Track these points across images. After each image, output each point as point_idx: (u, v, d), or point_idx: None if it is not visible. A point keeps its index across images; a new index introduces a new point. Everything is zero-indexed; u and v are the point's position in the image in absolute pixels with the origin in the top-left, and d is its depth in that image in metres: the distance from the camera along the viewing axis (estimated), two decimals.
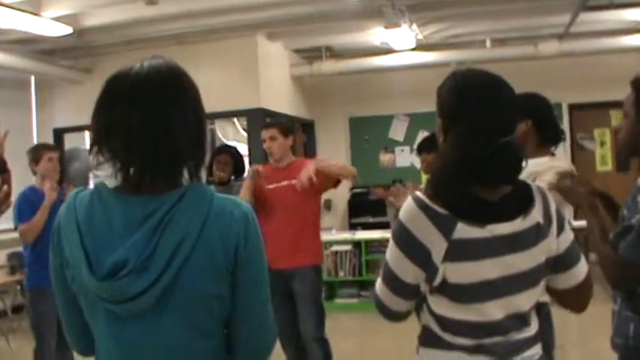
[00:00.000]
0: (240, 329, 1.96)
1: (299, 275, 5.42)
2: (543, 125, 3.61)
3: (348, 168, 5.50)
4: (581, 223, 3.17)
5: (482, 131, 2.07)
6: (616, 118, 11.31)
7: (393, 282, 2.15)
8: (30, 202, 5.41)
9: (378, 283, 2.23)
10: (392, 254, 2.15)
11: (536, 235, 2.12)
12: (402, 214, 2.11)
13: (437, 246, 2.03)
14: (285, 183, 5.41)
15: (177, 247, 1.78)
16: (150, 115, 1.82)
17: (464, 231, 2.02)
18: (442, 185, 2.07)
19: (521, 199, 2.14)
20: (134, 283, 1.76)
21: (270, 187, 5.44)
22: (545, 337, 2.78)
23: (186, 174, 1.92)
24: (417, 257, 2.06)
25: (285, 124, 5.73)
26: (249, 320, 1.95)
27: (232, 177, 6.45)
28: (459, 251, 2.02)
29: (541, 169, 3.42)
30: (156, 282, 1.77)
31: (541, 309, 2.94)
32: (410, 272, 2.10)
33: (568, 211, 3.54)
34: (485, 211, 2.06)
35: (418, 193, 2.12)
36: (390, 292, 2.18)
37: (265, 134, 5.55)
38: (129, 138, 1.83)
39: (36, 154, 5.67)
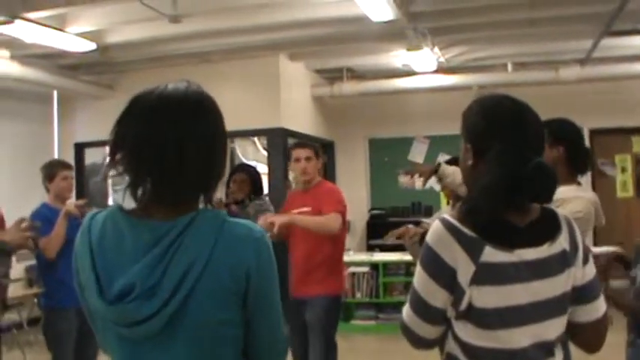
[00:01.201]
0: (256, 353, 1.96)
1: (310, 304, 5.40)
2: (575, 152, 3.56)
3: (326, 228, 5.28)
4: (601, 249, 3.17)
5: (517, 152, 2.07)
6: (638, 143, 11.25)
7: (421, 307, 2.13)
8: (46, 218, 5.33)
9: (406, 309, 2.19)
10: (419, 278, 2.13)
11: (562, 262, 2.11)
12: (429, 237, 2.10)
13: (464, 268, 2.02)
14: (305, 209, 5.39)
15: (185, 273, 1.78)
16: (160, 136, 1.83)
17: (491, 255, 2.01)
18: (479, 207, 2.05)
19: (548, 225, 2.14)
20: (142, 308, 1.76)
21: (294, 211, 5.42)
22: None
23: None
24: (444, 279, 2.05)
25: (316, 146, 5.74)
26: (263, 344, 1.96)
27: (250, 196, 6.44)
28: (486, 275, 2.01)
29: (567, 197, 3.38)
30: (163, 308, 1.77)
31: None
32: (437, 295, 2.08)
33: (588, 240, 3.52)
34: (513, 235, 2.05)
35: (446, 216, 2.11)
36: (418, 318, 2.14)
37: (302, 153, 5.52)
38: (138, 155, 1.85)
39: (50, 171, 5.58)
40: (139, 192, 1.88)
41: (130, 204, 1.93)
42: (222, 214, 1.91)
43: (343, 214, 5.38)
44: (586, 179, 10.99)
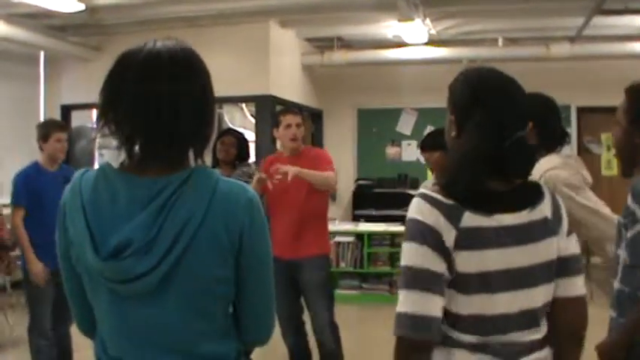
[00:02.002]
0: (244, 311, 1.99)
1: (306, 265, 5.43)
2: (543, 128, 3.56)
3: (330, 182, 5.38)
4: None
5: (496, 125, 2.09)
6: None
7: (420, 278, 2.04)
8: (28, 185, 5.37)
9: (402, 298, 2.08)
10: (409, 252, 2.08)
11: (544, 229, 2.12)
12: (410, 212, 2.10)
13: (447, 234, 2.02)
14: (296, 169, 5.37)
15: (181, 230, 1.79)
16: (156, 91, 1.83)
17: (471, 219, 2.02)
18: (456, 178, 2.07)
19: (529, 192, 2.16)
20: (138, 264, 1.77)
21: (279, 177, 5.42)
22: None
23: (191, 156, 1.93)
24: (435, 242, 2.03)
25: (303, 113, 5.74)
26: (253, 303, 1.99)
27: (235, 162, 6.43)
28: (467, 239, 2.02)
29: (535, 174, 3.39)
30: (159, 263, 1.78)
31: None
32: (434, 260, 2.03)
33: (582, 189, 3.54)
34: (492, 201, 2.07)
35: (423, 190, 2.12)
36: (420, 292, 2.04)
37: (293, 119, 5.50)
38: (134, 111, 1.84)
39: (46, 131, 5.57)
40: (133, 149, 1.87)
41: (116, 163, 1.93)
42: (215, 172, 1.92)
43: (336, 174, 5.44)
44: (568, 152, 11.08)
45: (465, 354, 2.08)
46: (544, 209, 2.14)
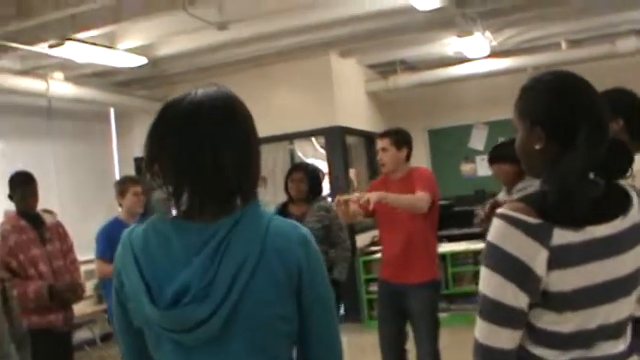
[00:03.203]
0: (310, 351, 1.96)
1: (415, 292, 5.37)
2: (636, 124, 3.45)
3: (415, 204, 5.21)
4: None
5: (603, 132, 2.00)
6: None
7: (496, 312, 1.98)
8: (110, 238, 5.45)
9: (478, 324, 2.03)
10: (488, 281, 2.00)
11: (635, 236, 2.03)
12: (492, 236, 1.99)
13: (537, 258, 1.92)
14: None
15: (237, 271, 1.77)
16: (197, 141, 1.84)
17: (562, 236, 1.92)
18: (575, 193, 1.94)
19: (618, 199, 2.06)
20: (198, 310, 1.75)
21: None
22: None
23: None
24: (516, 276, 1.94)
25: (399, 135, 5.66)
26: (318, 342, 1.96)
27: (309, 196, 6.40)
28: (561, 258, 1.92)
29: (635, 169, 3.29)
30: (219, 307, 1.76)
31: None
32: (512, 293, 1.95)
33: None
34: (583, 212, 1.95)
35: (503, 210, 2.00)
36: (495, 326, 1.98)
37: (378, 144, 5.52)
38: (178, 162, 1.85)
39: (122, 187, 5.77)
40: (181, 201, 1.88)
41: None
42: (266, 212, 1.92)
43: (433, 193, 5.32)
44: None
45: None
46: (635, 214, 2.04)
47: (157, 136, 1.90)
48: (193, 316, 1.76)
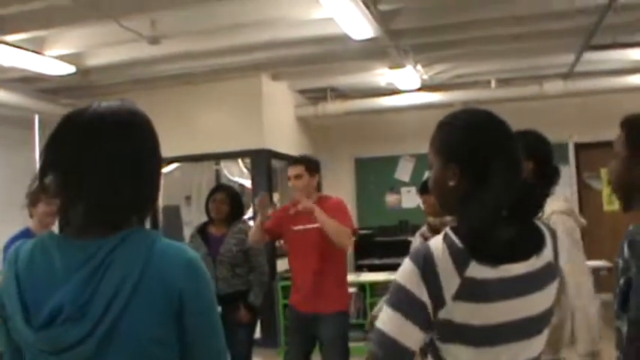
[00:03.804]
0: None
1: (325, 320, 5.37)
2: (544, 166, 3.51)
3: (343, 236, 5.21)
4: (596, 263, 3.12)
5: (515, 169, 2.01)
6: None
7: (406, 306, 1.95)
8: None
9: (385, 315, 1.99)
10: (405, 274, 1.97)
11: (548, 275, 2.04)
12: (431, 244, 1.98)
13: (450, 282, 1.91)
14: (309, 226, 5.34)
15: (114, 294, 1.71)
16: (95, 153, 1.79)
17: (476, 270, 1.91)
18: (487, 229, 1.94)
19: (533, 238, 2.07)
20: (72, 331, 1.69)
21: (296, 228, 5.37)
22: None
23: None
24: (431, 290, 1.92)
25: (311, 162, 5.69)
26: None
27: (231, 218, 6.36)
28: (473, 291, 1.91)
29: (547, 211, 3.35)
30: (95, 329, 1.69)
31: None
32: (423, 295, 1.93)
33: (580, 250, 3.48)
34: (499, 250, 1.95)
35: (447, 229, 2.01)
36: (404, 319, 1.94)
37: (291, 172, 5.49)
38: (71, 174, 1.80)
39: (34, 196, 5.59)
40: (70, 215, 1.82)
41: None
42: (153, 233, 1.86)
43: (353, 229, 5.38)
44: (572, 192, 11.01)
45: None
46: (547, 254, 2.05)
47: (53, 145, 1.85)
48: (67, 336, 1.69)
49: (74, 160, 1.79)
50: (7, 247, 5.37)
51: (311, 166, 5.55)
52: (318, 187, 5.63)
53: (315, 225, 5.27)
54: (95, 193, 1.79)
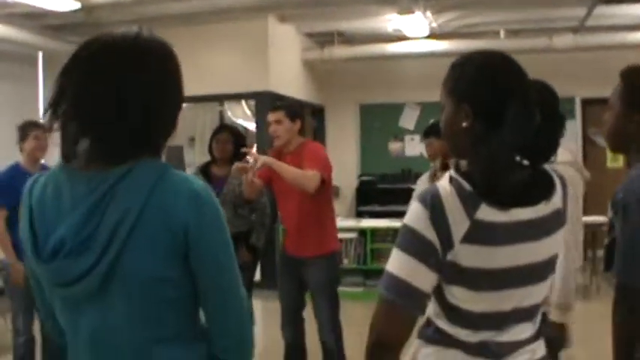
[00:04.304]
0: (210, 319, 1.87)
1: (309, 264, 5.42)
2: (550, 117, 3.49)
3: (303, 181, 5.10)
4: (592, 218, 3.12)
5: (529, 111, 1.99)
6: None
7: (417, 248, 1.94)
8: (7, 186, 5.31)
9: (396, 258, 1.98)
10: (414, 216, 1.96)
11: (556, 222, 2.05)
12: (439, 186, 1.97)
13: (459, 224, 1.91)
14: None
15: (117, 224, 1.68)
16: (106, 80, 1.75)
17: (486, 213, 1.91)
18: (499, 172, 1.94)
19: (543, 184, 2.06)
20: (74, 264, 1.68)
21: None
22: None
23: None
24: (440, 232, 1.91)
25: (292, 108, 5.62)
26: (215, 309, 1.86)
27: (232, 158, 6.34)
28: (482, 234, 1.91)
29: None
30: (97, 264, 1.68)
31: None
32: (432, 236, 1.92)
33: (578, 203, 3.49)
34: (509, 194, 1.95)
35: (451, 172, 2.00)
36: (416, 261, 1.93)
37: (271, 117, 5.43)
38: (80, 104, 1.75)
39: (23, 130, 5.59)
40: (79, 146, 1.78)
41: None
42: (164, 165, 1.81)
43: (325, 173, 5.26)
44: (577, 148, 10.98)
45: (462, 355, 2.01)
46: (557, 201, 2.05)
47: (65, 74, 1.79)
48: (71, 269, 1.68)
49: (84, 89, 1.75)
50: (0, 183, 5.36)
51: (291, 110, 5.49)
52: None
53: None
54: (103, 124, 1.75)
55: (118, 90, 1.74)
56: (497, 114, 1.96)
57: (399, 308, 1.96)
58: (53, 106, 1.78)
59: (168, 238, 1.73)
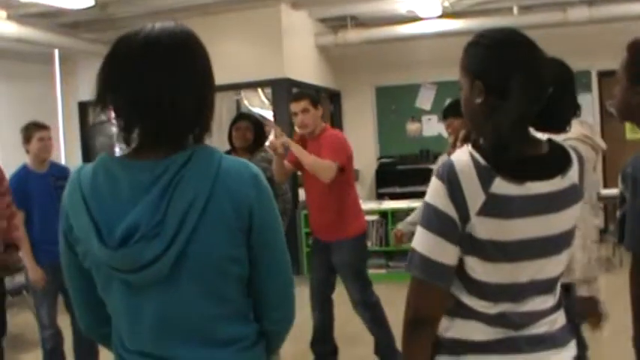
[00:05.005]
0: (262, 291, 1.96)
1: (335, 248, 5.54)
2: (563, 92, 3.48)
3: (321, 170, 5.28)
4: (612, 191, 3.13)
5: (538, 83, 2.02)
6: None
7: (439, 225, 2.00)
8: (17, 187, 5.42)
9: (419, 236, 2.05)
10: (433, 192, 2.02)
11: (572, 196, 2.08)
12: (454, 160, 2.01)
13: (475, 198, 1.95)
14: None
15: (187, 211, 1.75)
16: (156, 76, 1.80)
17: (501, 187, 1.95)
18: (507, 142, 1.96)
19: (559, 158, 2.09)
20: (147, 249, 1.74)
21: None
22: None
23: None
24: (458, 206, 1.97)
25: (313, 95, 5.73)
26: (270, 284, 1.96)
27: (251, 147, 6.38)
28: (497, 207, 1.95)
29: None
30: (169, 247, 1.74)
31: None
32: (451, 211, 1.97)
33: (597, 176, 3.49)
34: (524, 168, 1.99)
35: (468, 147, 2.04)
36: (439, 238, 1.99)
37: (297, 107, 5.48)
38: (134, 97, 1.81)
39: (26, 133, 5.65)
40: (132, 135, 1.85)
41: None
42: (217, 151, 1.89)
43: (343, 162, 5.38)
44: (594, 121, 10.93)
45: (481, 326, 2.06)
46: (573, 175, 2.08)
47: (109, 69, 1.85)
48: (142, 255, 1.74)
49: (134, 82, 1.81)
50: (11, 187, 5.43)
51: (313, 98, 5.61)
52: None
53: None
54: (156, 116, 1.81)
55: (170, 84, 1.80)
56: (504, 88, 2.01)
57: (430, 285, 2.02)
58: (102, 97, 1.85)
59: (234, 218, 1.82)
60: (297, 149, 5.25)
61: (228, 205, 1.81)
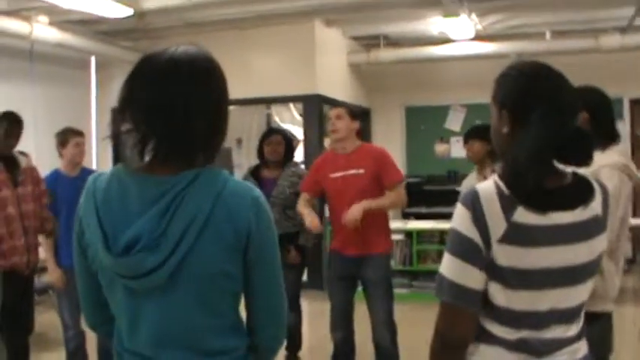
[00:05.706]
0: (254, 309, 2.07)
1: (369, 262, 5.48)
2: (599, 120, 3.49)
3: (398, 201, 5.56)
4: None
5: (559, 115, 2.07)
6: None
7: (464, 250, 2.05)
8: (52, 186, 5.59)
9: (446, 261, 2.10)
10: (458, 218, 2.08)
11: (595, 227, 2.11)
12: (479, 187, 2.08)
13: (497, 225, 2.00)
14: (351, 172, 5.42)
15: (187, 227, 1.86)
16: (173, 94, 1.90)
17: (523, 216, 2.00)
18: (525, 172, 2.00)
19: (582, 190, 2.13)
20: (147, 259, 1.85)
21: (334, 175, 5.47)
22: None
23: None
24: (481, 232, 2.02)
25: (354, 110, 5.78)
26: (261, 300, 2.06)
27: (283, 161, 6.43)
28: (519, 235, 2.00)
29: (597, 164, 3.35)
30: (168, 259, 1.85)
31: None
32: (476, 237, 2.03)
33: (628, 202, 3.48)
34: (547, 198, 2.04)
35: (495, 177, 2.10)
36: (465, 264, 2.04)
37: (332, 113, 5.54)
38: (149, 111, 1.91)
39: (63, 137, 5.75)
40: (146, 150, 1.94)
41: None
42: (224, 172, 1.99)
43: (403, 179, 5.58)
44: (625, 149, 10.88)
45: (503, 352, 2.09)
46: (596, 206, 2.12)
47: (133, 84, 1.96)
48: (143, 264, 1.85)
49: (151, 99, 1.91)
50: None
51: (352, 110, 5.68)
52: (364, 136, 5.69)
53: (353, 171, 5.41)
54: (170, 133, 1.91)
55: (186, 102, 1.91)
56: (527, 119, 2.08)
57: (459, 309, 2.08)
58: (122, 110, 1.96)
59: (232, 238, 1.92)
60: (375, 204, 5.33)
61: (227, 224, 1.91)
